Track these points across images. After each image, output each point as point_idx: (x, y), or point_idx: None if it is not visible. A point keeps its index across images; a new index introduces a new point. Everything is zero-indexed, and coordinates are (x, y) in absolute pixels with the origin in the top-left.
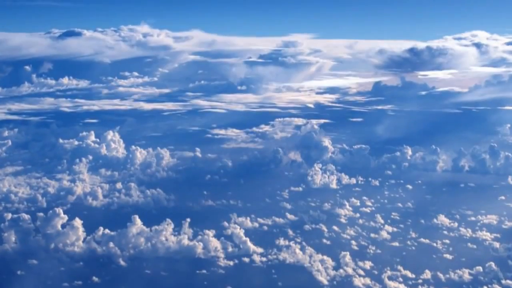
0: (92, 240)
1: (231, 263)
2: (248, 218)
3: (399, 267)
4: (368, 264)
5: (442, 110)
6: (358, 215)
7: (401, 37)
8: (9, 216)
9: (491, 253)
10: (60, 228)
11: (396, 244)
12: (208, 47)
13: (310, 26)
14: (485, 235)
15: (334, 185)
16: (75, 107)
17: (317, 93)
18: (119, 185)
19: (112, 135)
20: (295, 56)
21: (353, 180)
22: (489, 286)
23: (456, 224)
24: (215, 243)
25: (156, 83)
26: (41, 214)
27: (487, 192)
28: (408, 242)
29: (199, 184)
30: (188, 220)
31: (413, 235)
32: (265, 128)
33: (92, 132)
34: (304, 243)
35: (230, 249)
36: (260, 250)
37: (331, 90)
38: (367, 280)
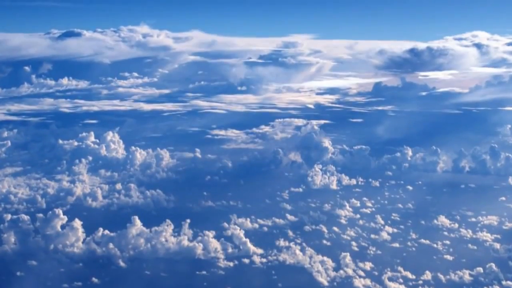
0: (91, 241)
1: (231, 264)
2: (248, 219)
3: (400, 268)
4: (368, 265)
5: (442, 110)
6: (358, 216)
7: (402, 37)
8: (8, 217)
9: (492, 254)
10: (60, 229)
11: (396, 245)
12: (208, 47)
13: (310, 27)
14: (486, 236)
15: (334, 186)
16: (74, 107)
17: (317, 93)
18: (118, 186)
19: (112, 136)
20: (295, 57)
21: (353, 181)
22: (490, 287)
23: (456, 225)
24: (215, 244)
25: (156, 84)
26: (40, 215)
27: (487, 193)
28: (409, 243)
29: (199, 185)
30: (188, 221)
31: (414, 236)
32: (265, 128)
33: (92, 133)
34: (304, 244)
35: (230, 250)
36: (260, 251)
37: (331, 90)
38: (368, 281)
